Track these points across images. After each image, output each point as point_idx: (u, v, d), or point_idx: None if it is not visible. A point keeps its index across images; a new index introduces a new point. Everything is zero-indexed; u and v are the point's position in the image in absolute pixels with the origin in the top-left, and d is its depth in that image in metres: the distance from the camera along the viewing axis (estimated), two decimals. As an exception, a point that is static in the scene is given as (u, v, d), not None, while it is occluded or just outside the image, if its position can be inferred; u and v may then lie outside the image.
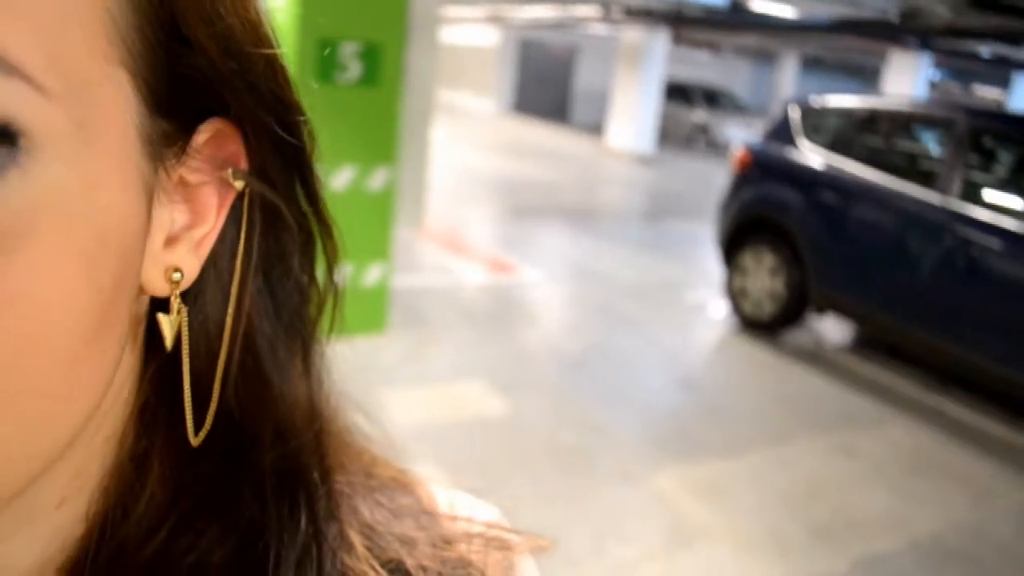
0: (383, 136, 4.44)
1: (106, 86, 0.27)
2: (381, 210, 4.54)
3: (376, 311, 4.69)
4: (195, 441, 0.34)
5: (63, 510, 0.33)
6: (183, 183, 0.33)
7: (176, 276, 0.33)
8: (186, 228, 0.33)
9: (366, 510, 0.41)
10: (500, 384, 4.36)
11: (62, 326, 0.26)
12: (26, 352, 0.25)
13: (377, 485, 0.44)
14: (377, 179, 4.45)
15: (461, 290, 6.08)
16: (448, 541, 0.42)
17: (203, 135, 0.33)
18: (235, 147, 0.34)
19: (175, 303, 0.33)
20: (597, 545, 3.05)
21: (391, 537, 0.41)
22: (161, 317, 0.33)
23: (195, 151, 0.33)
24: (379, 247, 4.58)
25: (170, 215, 0.32)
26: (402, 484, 0.45)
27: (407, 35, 4.52)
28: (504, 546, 0.44)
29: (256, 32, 0.32)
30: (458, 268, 6.59)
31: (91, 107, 0.27)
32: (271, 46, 0.33)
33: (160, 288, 0.33)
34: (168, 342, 0.34)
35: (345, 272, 0.40)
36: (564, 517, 3.22)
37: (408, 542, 0.41)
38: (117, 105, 0.28)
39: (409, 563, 0.40)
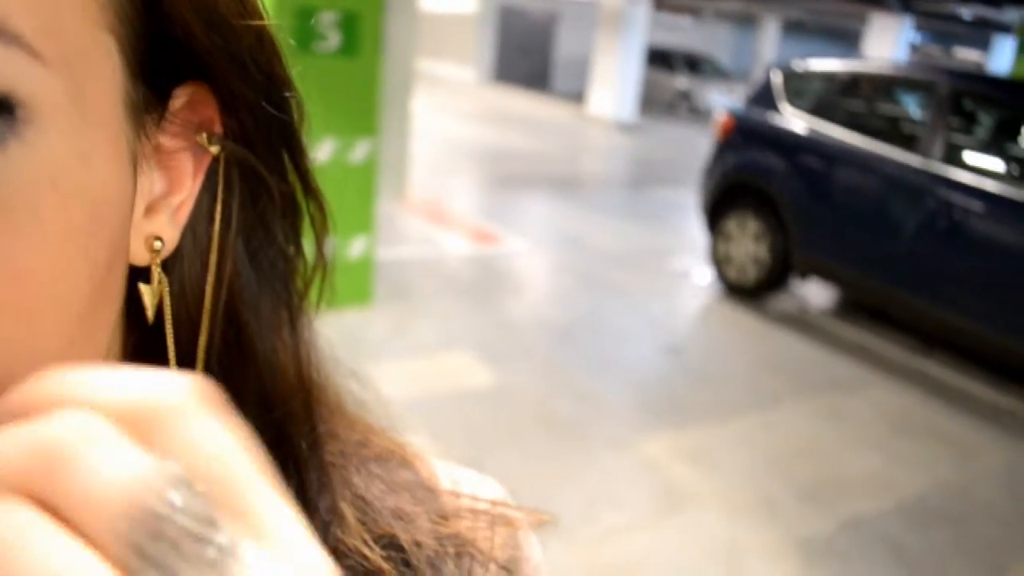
0: (363, 107, 4.39)
1: (97, 53, 0.27)
2: (363, 182, 4.50)
3: (361, 284, 4.66)
4: None
5: None
6: (159, 149, 0.32)
7: (157, 245, 0.32)
8: (164, 195, 0.33)
9: (360, 482, 0.40)
10: (487, 354, 4.36)
11: (62, 302, 0.26)
12: (27, 328, 0.25)
13: (372, 456, 0.42)
14: (359, 151, 4.41)
15: (446, 261, 6.06)
16: (446, 517, 0.42)
17: (179, 99, 0.32)
18: (210, 111, 0.33)
19: (156, 272, 0.33)
20: (588, 512, 3.07)
21: (385, 511, 0.40)
22: (143, 287, 0.33)
23: (171, 116, 0.32)
24: (362, 220, 4.54)
25: (150, 183, 0.32)
26: (400, 457, 0.44)
27: (385, 3, 4.45)
28: (508, 523, 0.43)
29: (243, 3, 0.31)
30: (442, 239, 6.56)
31: (84, 75, 0.26)
32: (259, 18, 0.32)
33: (141, 257, 0.32)
34: (150, 312, 0.33)
35: (331, 245, 0.39)
36: (555, 485, 3.24)
37: (403, 517, 0.40)
38: (106, 72, 0.28)
39: (404, 538, 0.39)
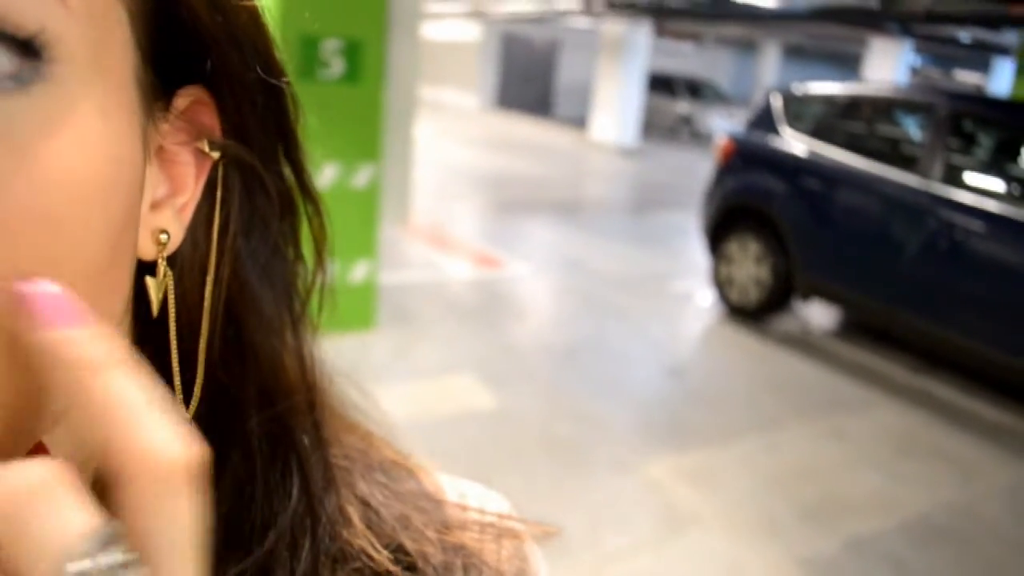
0: (366, 133, 4.44)
1: (112, 19, 0.27)
2: (366, 207, 4.54)
3: (364, 308, 4.69)
4: (188, 413, 0.33)
5: None
6: (162, 151, 0.33)
7: (163, 238, 0.32)
8: (167, 196, 0.33)
9: (364, 487, 0.40)
10: (490, 378, 4.38)
11: (82, 250, 0.26)
12: (51, 272, 0.25)
13: (376, 463, 0.42)
14: (361, 176, 4.45)
15: (448, 285, 6.09)
16: (451, 528, 0.41)
17: (183, 99, 0.32)
18: (210, 117, 0.33)
19: (162, 266, 0.33)
20: (591, 534, 3.07)
21: (391, 518, 0.40)
22: (149, 280, 0.33)
23: (175, 118, 0.32)
24: (365, 244, 4.58)
25: (155, 180, 0.32)
26: (404, 467, 0.44)
27: (388, 31, 4.52)
28: (514, 536, 0.43)
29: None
30: (445, 264, 6.59)
31: (104, 33, 0.27)
32: None
33: (147, 250, 0.32)
34: (155, 306, 0.33)
35: (331, 261, 0.40)
36: (558, 508, 3.24)
37: (409, 525, 0.40)
38: (121, 42, 0.28)
39: (410, 547, 0.39)
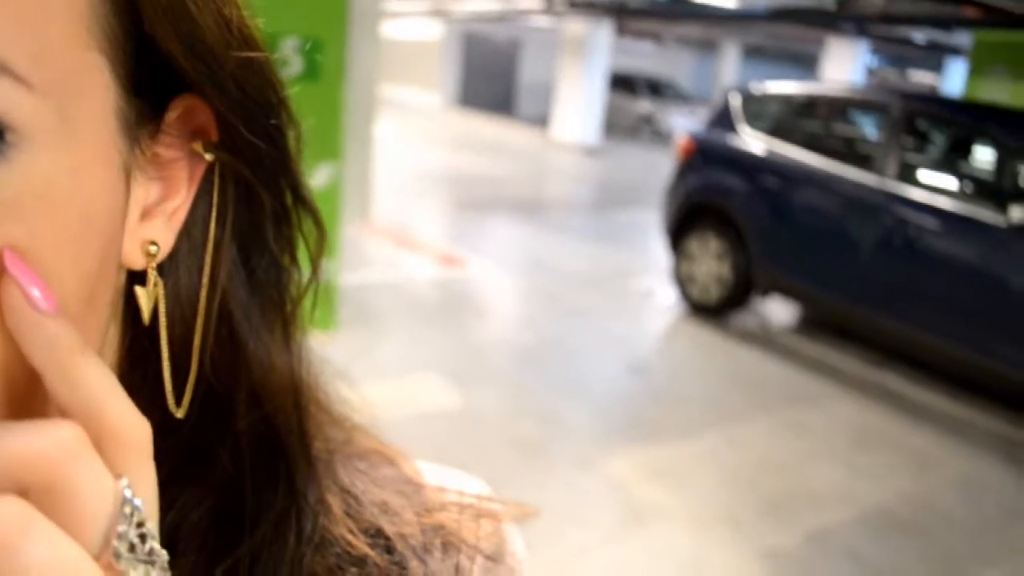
0: (327, 132, 4.40)
1: (87, 73, 0.28)
2: (327, 206, 4.51)
3: (324, 308, 4.65)
4: (180, 413, 0.34)
5: None
6: (156, 157, 0.33)
7: (152, 249, 0.33)
8: (159, 201, 0.33)
9: (345, 476, 0.41)
10: (453, 377, 4.37)
11: (59, 294, 0.26)
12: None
13: (357, 453, 0.44)
14: (321, 175, 4.42)
15: (411, 285, 6.06)
16: (430, 510, 0.42)
17: (175, 111, 0.33)
18: (205, 119, 0.34)
19: (152, 275, 0.33)
20: (554, 531, 3.08)
21: (370, 504, 0.41)
22: (139, 290, 0.33)
23: (167, 126, 0.33)
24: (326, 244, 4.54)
25: (145, 190, 0.33)
26: (384, 456, 0.45)
27: (348, 29, 4.49)
28: (493, 516, 0.44)
29: (231, 32, 0.32)
30: (407, 263, 6.57)
31: (74, 96, 0.27)
32: (250, 48, 0.33)
33: (137, 261, 0.33)
34: (145, 314, 0.34)
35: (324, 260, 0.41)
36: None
37: (388, 510, 0.41)
38: (97, 91, 0.28)
39: (389, 530, 0.40)
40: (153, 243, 0.33)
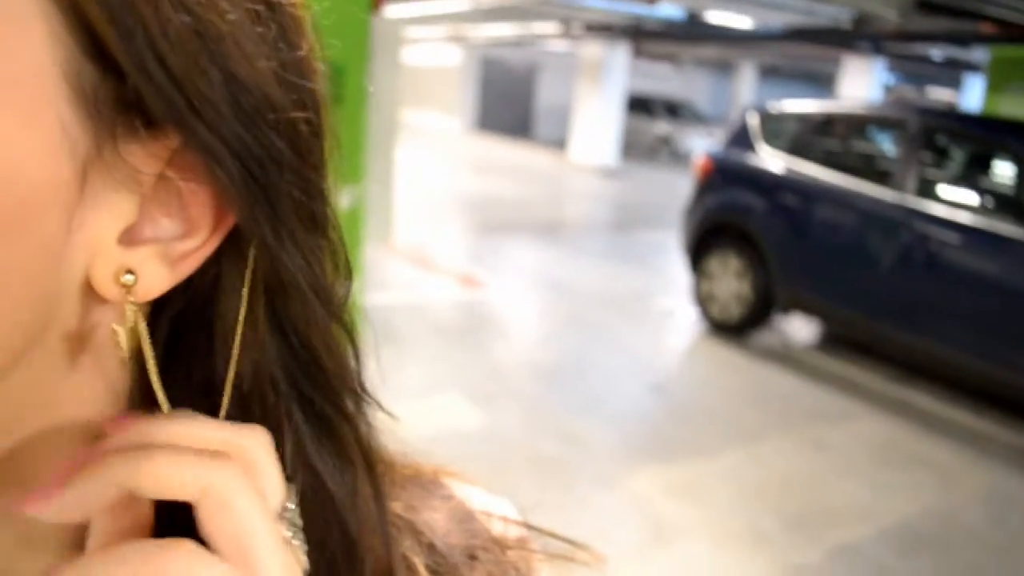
0: (350, 155, 4.48)
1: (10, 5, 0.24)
2: (350, 229, 4.55)
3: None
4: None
5: None
6: (166, 182, 0.29)
7: (127, 279, 0.28)
8: (171, 237, 0.29)
9: (400, 509, 0.41)
10: (475, 397, 4.40)
11: None
12: None
13: (408, 476, 0.44)
14: (345, 198, 4.49)
15: (432, 306, 6.11)
16: (501, 545, 0.43)
17: (176, 139, 0.28)
18: None
19: (129, 311, 0.29)
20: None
21: (429, 529, 0.41)
22: (116, 327, 0.30)
23: (176, 153, 0.28)
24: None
25: (131, 206, 0.28)
26: (430, 478, 0.45)
27: (370, 56, 4.57)
28: (563, 558, 0.45)
29: (203, 41, 0.26)
30: (428, 284, 6.62)
31: None
32: (237, 60, 0.27)
33: (108, 290, 0.28)
34: (124, 355, 0.30)
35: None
36: (543, 525, 3.25)
37: (466, 550, 0.41)
38: (29, 31, 0.24)
39: (446, 552, 0.41)
40: (129, 272, 0.28)
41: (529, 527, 0.46)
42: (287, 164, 0.29)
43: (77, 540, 0.31)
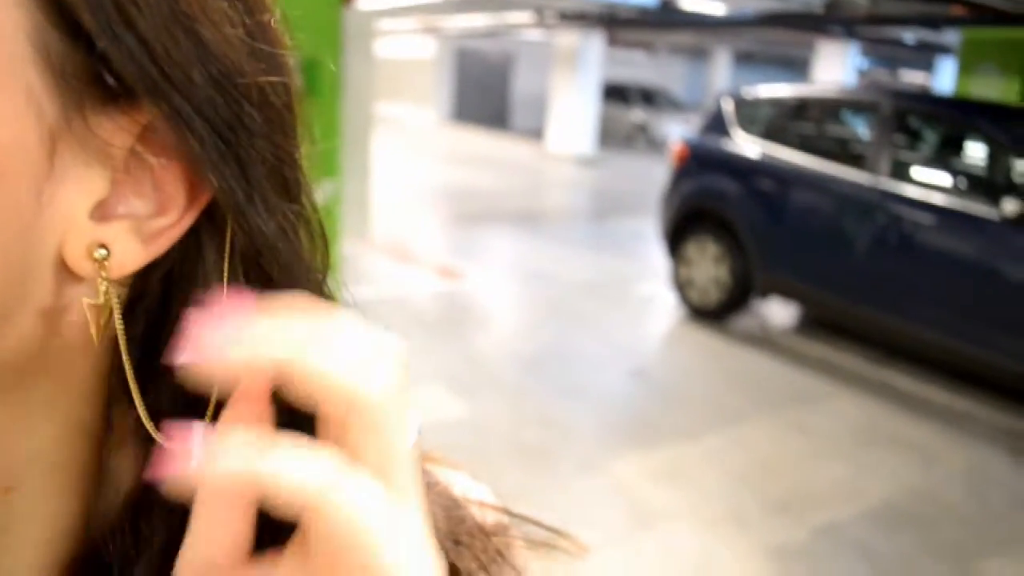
0: (324, 150, 4.45)
1: None
2: (327, 224, 4.54)
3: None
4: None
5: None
6: (139, 159, 0.29)
7: (99, 253, 0.28)
8: (145, 215, 0.29)
9: None
10: (457, 387, 4.40)
11: None
12: None
13: None
14: (320, 192, 4.47)
15: (411, 299, 6.10)
16: (486, 531, 0.42)
17: (150, 114, 0.28)
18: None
19: (101, 286, 0.29)
20: (562, 535, 3.10)
21: (434, 530, 0.40)
22: (86, 303, 0.29)
23: (150, 128, 0.28)
24: (327, 259, 4.58)
25: (103, 181, 0.28)
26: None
27: (342, 49, 4.55)
28: (544, 547, 0.44)
29: (171, 5, 0.26)
30: (407, 277, 6.61)
31: None
32: (205, 25, 0.27)
33: (81, 266, 0.28)
34: (93, 333, 0.30)
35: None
36: (527, 511, 3.26)
37: (451, 535, 0.40)
38: None
39: (461, 566, 0.39)
40: (102, 246, 0.28)
41: (511, 514, 0.45)
42: (258, 130, 0.29)
43: (54, 539, 0.32)
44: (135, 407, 0.31)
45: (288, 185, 0.32)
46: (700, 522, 3.30)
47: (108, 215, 0.28)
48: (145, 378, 0.31)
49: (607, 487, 3.52)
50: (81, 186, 0.27)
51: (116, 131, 0.27)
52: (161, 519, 0.32)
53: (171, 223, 0.29)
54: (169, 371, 0.30)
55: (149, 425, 0.30)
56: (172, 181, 0.29)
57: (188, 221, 0.30)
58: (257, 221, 0.30)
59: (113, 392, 0.32)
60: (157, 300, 0.32)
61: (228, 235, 0.31)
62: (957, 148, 5.21)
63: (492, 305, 6.24)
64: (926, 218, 4.59)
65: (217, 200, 0.29)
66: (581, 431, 4.05)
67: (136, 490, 0.32)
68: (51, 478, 0.31)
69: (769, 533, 3.25)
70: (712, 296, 5.74)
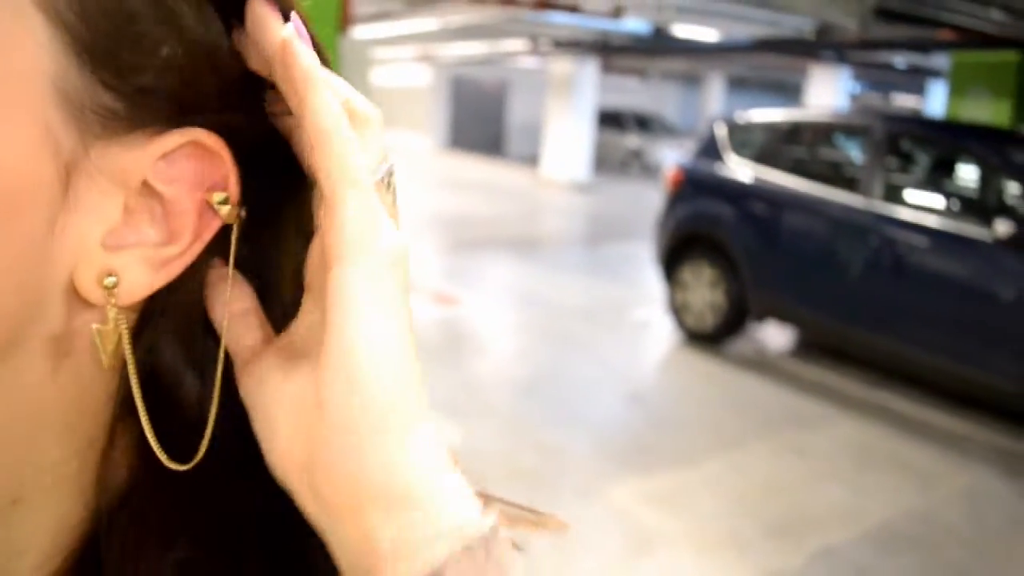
0: (320, 176, 4.47)
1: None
2: (323, 249, 4.55)
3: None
4: (172, 465, 0.32)
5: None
6: (150, 190, 0.30)
7: (109, 281, 0.29)
8: (154, 243, 0.30)
9: None
10: (452, 414, 4.38)
11: None
12: None
13: None
14: (317, 219, 4.48)
15: (409, 325, 6.08)
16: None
17: (175, 139, 0.29)
18: (218, 169, 0.31)
19: (111, 314, 0.29)
20: (559, 559, 3.08)
21: None
22: (95, 328, 0.30)
23: (169, 158, 0.29)
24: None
25: (115, 211, 0.29)
26: None
27: (340, 76, 4.58)
28: (527, 523, 0.42)
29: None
30: (404, 303, 6.59)
31: None
32: (185, 20, 0.29)
33: (91, 293, 0.29)
34: (103, 359, 0.30)
35: None
36: (524, 536, 3.24)
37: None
38: (17, 38, 0.25)
39: None
40: (111, 274, 0.29)
41: (488, 496, 0.43)
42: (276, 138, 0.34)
43: (57, 546, 0.32)
44: (139, 423, 0.31)
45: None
46: (698, 547, 3.28)
47: (119, 244, 0.29)
48: (152, 398, 0.32)
49: (604, 512, 3.50)
50: (94, 215, 0.28)
51: (131, 162, 0.28)
52: (155, 523, 0.33)
53: (180, 252, 0.30)
54: (174, 391, 0.33)
55: (155, 444, 0.31)
56: (182, 211, 0.30)
57: (197, 250, 0.31)
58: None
59: (119, 410, 0.33)
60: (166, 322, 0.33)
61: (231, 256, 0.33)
62: (949, 170, 5.24)
63: (488, 331, 6.23)
64: (919, 240, 4.61)
65: (224, 230, 0.32)
66: (578, 456, 4.04)
67: (130, 495, 0.33)
68: (57, 490, 0.32)
69: (768, 557, 3.23)
70: (708, 320, 5.75)
